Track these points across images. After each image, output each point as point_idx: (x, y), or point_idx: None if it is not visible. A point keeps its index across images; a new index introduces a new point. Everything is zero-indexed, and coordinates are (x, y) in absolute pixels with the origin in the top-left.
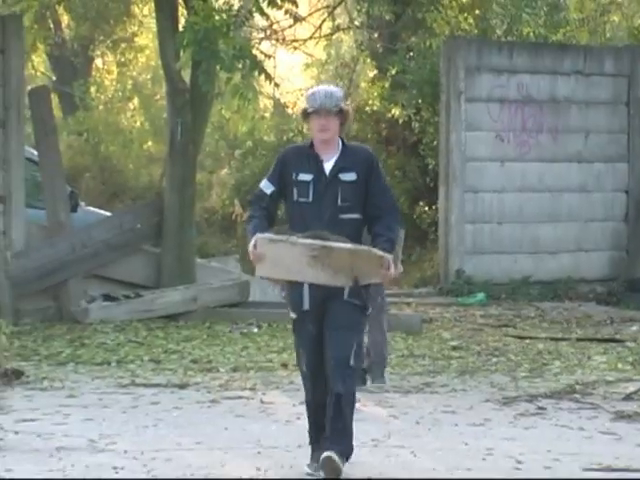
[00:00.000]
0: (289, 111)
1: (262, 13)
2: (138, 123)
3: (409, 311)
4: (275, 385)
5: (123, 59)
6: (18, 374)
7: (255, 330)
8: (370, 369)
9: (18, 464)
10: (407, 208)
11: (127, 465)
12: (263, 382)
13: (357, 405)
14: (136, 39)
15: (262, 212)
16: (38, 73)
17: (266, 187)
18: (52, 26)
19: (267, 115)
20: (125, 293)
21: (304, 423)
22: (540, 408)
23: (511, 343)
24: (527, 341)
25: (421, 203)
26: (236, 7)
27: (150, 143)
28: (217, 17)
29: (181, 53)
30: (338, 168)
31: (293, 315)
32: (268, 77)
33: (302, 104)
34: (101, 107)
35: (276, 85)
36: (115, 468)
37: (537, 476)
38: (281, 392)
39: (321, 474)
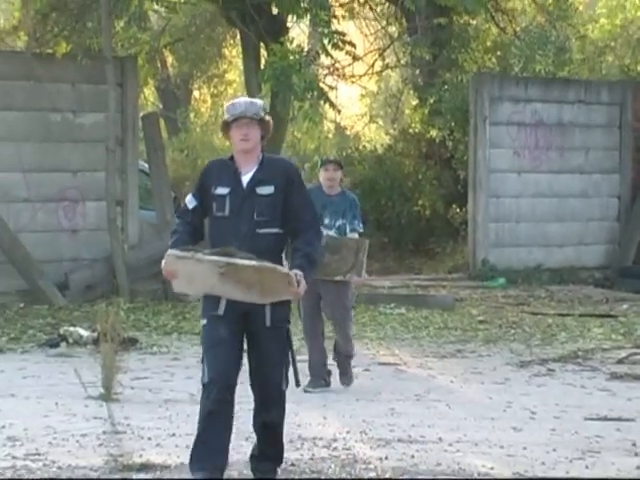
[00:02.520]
0: (347, 132)
1: (327, 54)
2: (228, 142)
3: (444, 292)
4: None
5: (216, 91)
6: (133, 342)
7: None
8: (338, 367)
9: (133, 412)
10: (443, 210)
11: None
12: (328, 348)
13: (402, 367)
14: (226, 75)
15: (185, 227)
16: (149, 102)
17: (189, 202)
18: (159, 65)
19: (330, 135)
20: None
21: (362, 381)
22: (550, 370)
23: (526, 318)
24: (539, 316)
25: (454, 206)
26: (306, 49)
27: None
28: (291, 57)
29: (262, 86)
30: (255, 181)
31: (204, 322)
32: (332, 105)
33: (222, 116)
34: (198, 129)
35: (338, 111)
36: None
37: (548, 425)
38: None
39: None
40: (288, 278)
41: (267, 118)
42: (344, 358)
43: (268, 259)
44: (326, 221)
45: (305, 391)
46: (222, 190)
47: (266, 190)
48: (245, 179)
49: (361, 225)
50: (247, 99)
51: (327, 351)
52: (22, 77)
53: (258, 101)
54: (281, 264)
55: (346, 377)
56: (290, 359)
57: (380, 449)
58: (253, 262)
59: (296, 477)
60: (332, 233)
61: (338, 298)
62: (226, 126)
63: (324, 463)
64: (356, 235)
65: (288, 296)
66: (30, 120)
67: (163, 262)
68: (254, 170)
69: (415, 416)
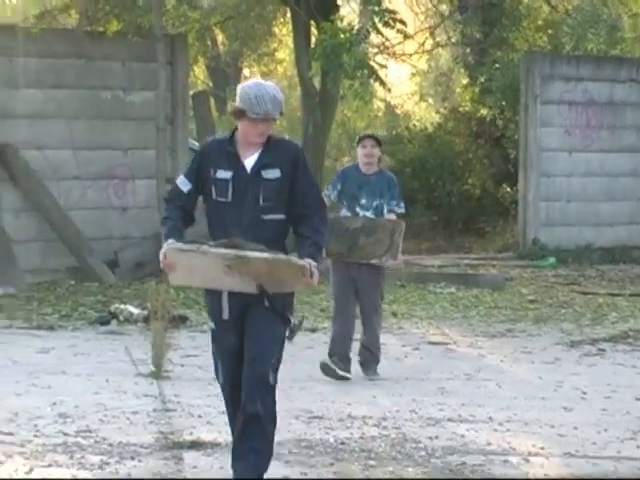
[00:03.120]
0: (397, 111)
1: (378, 32)
2: (277, 121)
3: (494, 271)
4: (386, 330)
5: (266, 69)
6: (183, 319)
7: None
8: (363, 364)
9: (184, 390)
10: (493, 189)
11: None
12: None
13: (452, 346)
14: (276, 53)
15: (177, 212)
16: (199, 81)
17: (182, 184)
18: (210, 43)
19: (380, 114)
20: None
21: (411, 360)
22: (600, 350)
23: (576, 298)
24: (589, 296)
25: (504, 185)
26: (357, 27)
27: (287, 137)
28: (342, 35)
29: (312, 64)
30: (260, 164)
31: (212, 325)
32: (382, 83)
33: (238, 102)
34: None
35: (388, 90)
36: None
37: (599, 405)
38: (392, 335)
39: None
40: (303, 269)
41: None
42: (368, 353)
43: (273, 247)
44: (363, 201)
45: (322, 369)
46: (224, 174)
47: (272, 174)
48: (249, 162)
49: (402, 205)
50: (272, 94)
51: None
52: (73, 55)
53: (280, 94)
54: (285, 251)
55: (369, 370)
56: (281, 355)
57: (430, 428)
58: (265, 254)
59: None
60: (369, 214)
61: (371, 284)
62: (240, 113)
63: (374, 442)
64: (393, 216)
65: (299, 287)
66: (81, 98)
67: (162, 253)
68: (259, 153)
69: (465, 395)
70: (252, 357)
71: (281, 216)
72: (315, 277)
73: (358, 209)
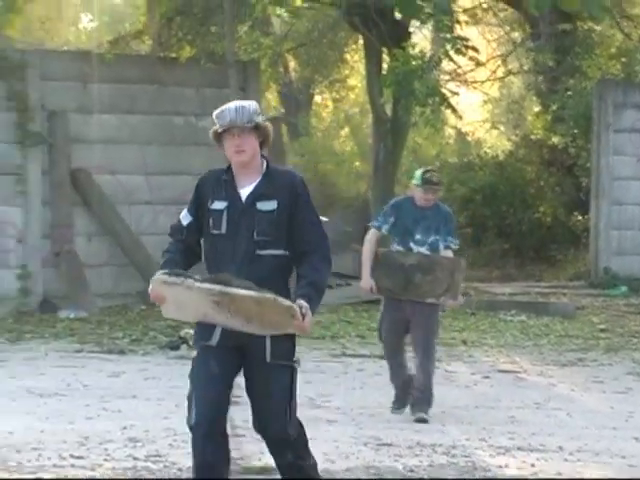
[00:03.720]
0: (468, 138)
1: (450, 59)
2: (348, 147)
3: (565, 300)
4: (456, 357)
5: (337, 96)
6: None
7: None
8: (414, 405)
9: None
10: (564, 217)
11: (339, 419)
12: (447, 355)
13: (522, 375)
14: (348, 80)
15: (178, 246)
16: (270, 106)
17: (184, 218)
18: (282, 69)
19: (451, 141)
20: (339, 282)
21: (481, 388)
22: None
23: None
24: None
25: (575, 213)
26: (428, 54)
27: (358, 163)
28: (413, 62)
29: (384, 91)
30: (256, 195)
31: (194, 353)
32: (453, 111)
33: (214, 126)
34: (319, 134)
35: (459, 117)
36: (329, 421)
37: None
38: (462, 363)
39: None
40: (292, 311)
41: (264, 123)
42: (419, 394)
43: (271, 285)
44: (418, 237)
45: (393, 412)
46: (219, 204)
47: (268, 206)
48: (245, 192)
49: (456, 242)
50: (237, 103)
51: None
52: (146, 81)
53: (250, 104)
54: (287, 291)
55: (420, 411)
56: (295, 402)
57: (500, 457)
58: (251, 292)
59: None
60: (424, 250)
61: (427, 322)
62: (218, 136)
63: (443, 470)
64: (450, 253)
65: (292, 330)
66: (153, 123)
67: (150, 286)
68: (256, 183)
69: (535, 424)
70: (265, 418)
71: (280, 252)
72: (307, 320)
73: (412, 244)
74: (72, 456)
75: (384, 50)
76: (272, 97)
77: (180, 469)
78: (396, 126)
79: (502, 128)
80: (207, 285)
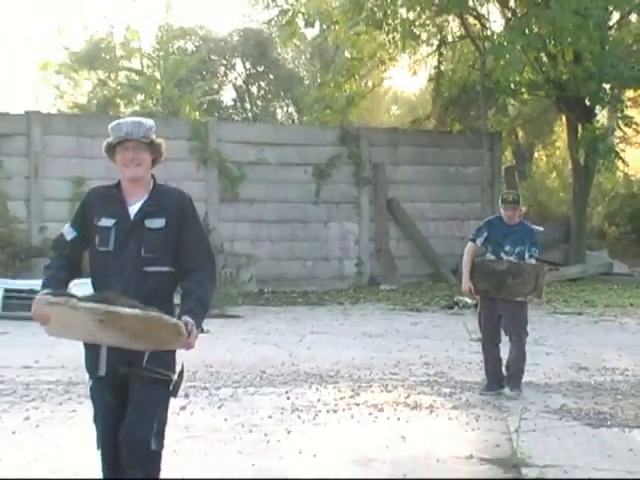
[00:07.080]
0: (632, 178)
1: (620, 129)
2: (556, 184)
3: None
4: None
5: (548, 153)
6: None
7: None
8: (509, 380)
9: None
10: None
11: (553, 351)
12: (621, 313)
13: None
14: (555, 143)
15: (61, 262)
16: (507, 160)
17: (67, 232)
18: (514, 137)
19: (620, 180)
20: (549, 267)
21: None
22: None
23: None
24: None
25: None
26: (607, 126)
27: (562, 194)
28: (597, 132)
29: (579, 149)
30: (144, 212)
31: (90, 382)
32: (623, 161)
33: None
34: (537, 176)
35: (626, 165)
36: (547, 353)
37: None
38: (630, 319)
39: None
40: (177, 328)
41: (158, 141)
42: (515, 373)
43: (157, 301)
44: (507, 248)
45: (481, 394)
46: (107, 222)
47: (156, 223)
48: (133, 209)
49: (537, 251)
50: (134, 118)
51: (502, 360)
52: (431, 145)
53: (147, 121)
54: (172, 307)
55: (515, 386)
56: (165, 416)
57: None
58: (136, 311)
59: None
60: (512, 258)
61: (519, 314)
62: (111, 149)
63: (620, 384)
64: (533, 261)
65: (178, 347)
66: (436, 171)
67: (33, 306)
68: (143, 200)
69: None
70: (132, 424)
71: (166, 268)
72: (193, 337)
73: (502, 254)
74: (390, 372)
75: (579, 124)
76: (508, 154)
77: (456, 382)
78: (586, 171)
79: None
80: (91, 304)
